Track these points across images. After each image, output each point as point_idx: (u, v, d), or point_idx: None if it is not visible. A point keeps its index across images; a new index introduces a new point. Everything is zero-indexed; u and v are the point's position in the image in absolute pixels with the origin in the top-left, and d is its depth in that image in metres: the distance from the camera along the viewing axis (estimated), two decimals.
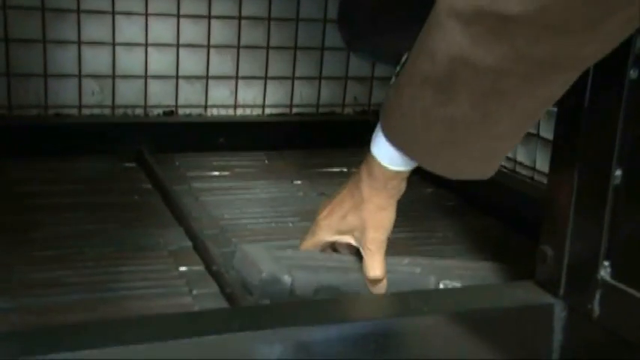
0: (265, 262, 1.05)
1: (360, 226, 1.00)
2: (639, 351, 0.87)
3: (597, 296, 0.91)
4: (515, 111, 0.82)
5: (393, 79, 0.93)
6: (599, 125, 0.91)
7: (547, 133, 1.44)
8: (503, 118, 0.83)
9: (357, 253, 1.06)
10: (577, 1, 0.68)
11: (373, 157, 0.96)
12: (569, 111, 0.95)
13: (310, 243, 1.08)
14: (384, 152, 0.94)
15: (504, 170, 1.57)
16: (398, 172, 0.96)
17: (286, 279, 1.02)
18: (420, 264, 1.15)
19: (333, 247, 1.10)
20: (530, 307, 0.98)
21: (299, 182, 1.62)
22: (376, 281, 1.01)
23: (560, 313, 0.97)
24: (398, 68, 0.93)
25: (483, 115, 0.82)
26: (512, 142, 0.91)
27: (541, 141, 1.46)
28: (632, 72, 0.86)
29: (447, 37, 0.77)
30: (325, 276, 1.04)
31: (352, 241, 1.03)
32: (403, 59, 0.93)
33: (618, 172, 0.89)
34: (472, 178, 0.92)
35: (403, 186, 1.00)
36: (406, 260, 1.16)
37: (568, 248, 0.96)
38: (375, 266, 1.00)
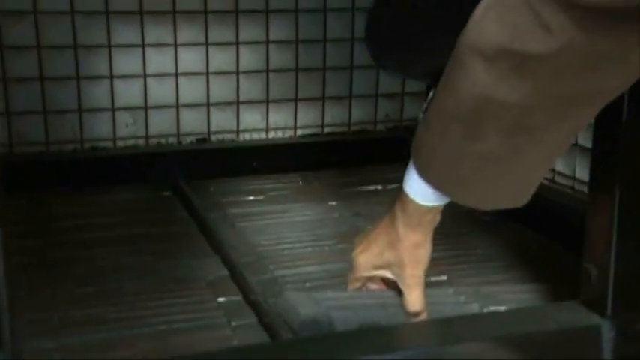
0: (304, 305, 1.05)
1: (397, 262, 1.02)
2: None
3: None
4: (543, 144, 0.82)
5: (421, 116, 0.94)
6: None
7: (586, 141, 1.41)
8: (532, 152, 0.83)
9: (395, 285, 1.06)
10: (598, 40, 0.67)
11: (407, 195, 0.96)
12: (608, 124, 0.92)
13: (352, 280, 1.10)
14: (417, 189, 0.94)
15: (543, 181, 1.55)
16: (432, 208, 0.97)
17: (325, 319, 1.02)
18: (464, 292, 1.16)
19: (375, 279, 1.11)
20: (577, 329, 0.96)
21: (334, 203, 1.61)
22: (416, 315, 1.02)
23: (607, 333, 0.95)
24: (425, 105, 0.94)
25: (512, 150, 0.82)
26: (543, 172, 0.92)
27: (580, 149, 1.44)
28: None
29: (470, 75, 0.77)
30: (366, 313, 1.04)
31: (390, 276, 1.04)
32: (430, 96, 0.94)
33: None
34: (506, 207, 0.92)
35: (438, 219, 1.01)
36: (451, 290, 1.17)
37: (613, 266, 0.93)
38: (414, 301, 1.02)
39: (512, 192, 0.90)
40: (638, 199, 0.90)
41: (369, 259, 1.05)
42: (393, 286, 1.07)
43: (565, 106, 0.76)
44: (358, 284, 1.09)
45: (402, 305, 1.03)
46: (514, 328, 0.95)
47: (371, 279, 1.09)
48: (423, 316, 1.03)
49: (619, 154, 0.91)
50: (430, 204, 0.95)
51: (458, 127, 0.82)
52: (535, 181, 0.91)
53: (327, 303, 1.06)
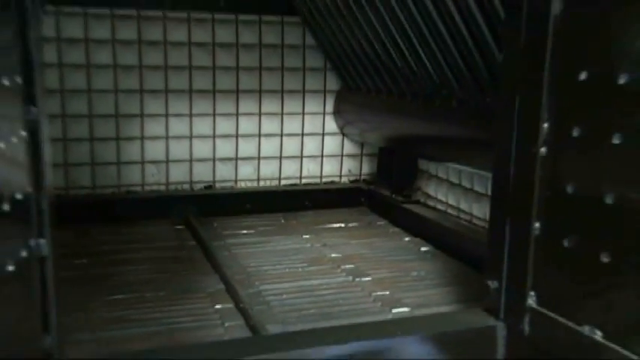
0: None
1: None
2: None
3: (527, 318, 0.91)
4: None
5: None
6: (521, 188, 0.93)
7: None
8: None
9: None
10: None
11: None
12: (500, 180, 0.98)
13: None
14: None
15: (465, 222, 1.57)
16: None
17: None
18: (381, 298, 1.20)
19: None
20: (480, 329, 0.98)
21: (307, 236, 1.63)
22: None
23: (501, 332, 0.97)
24: None
25: None
26: None
27: (489, 197, 1.46)
28: (541, 149, 0.88)
29: None
30: None
31: None
32: None
33: (537, 225, 0.90)
34: None
35: None
36: (372, 295, 1.20)
37: (505, 282, 0.96)
38: None
39: None
40: (521, 234, 0.92)
41: None
42: None
43: None
44: None
45: None
46: (434, 328, 0.97)
47: None
48: None
49: (508, 201, 0.95)
50: None
51: None
52: None
53: None
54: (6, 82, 0.63)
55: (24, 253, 0.67)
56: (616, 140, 0.76)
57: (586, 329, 0.80)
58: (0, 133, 0.62)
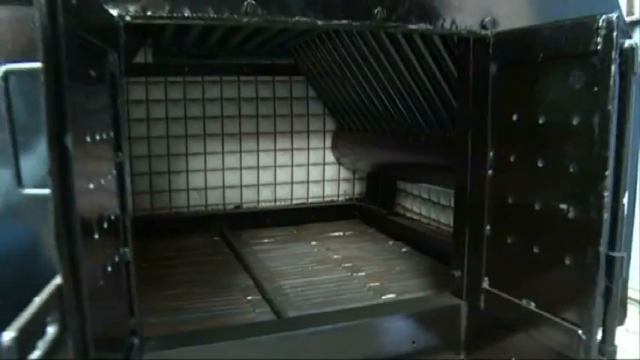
0: None
1: None
2: (504, 327, 0.91)
3: (482, 297, 0.96)
4: None
5: None
6: (475, 201, 0.99)
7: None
8: None
9: None
10: None
11: None
12: (460, 195, 1.04)
13: None
14: None
15: (434, 228, 1.61)
16: None
17: None
18: (373, 288, 1.22)
19: None
20: (449, 307, 1.03)
21: (315, 243, 1.66)
22: None
23: (464, 309, 1.02)
24: None
25: None
26: None
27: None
28: (489, 171, 0.94)
29: None
30: None
31: None
32: None
33: (488, 227, 0.96)
34: None
35: None
36: (366, 286, 1.22)
37: (466, 271, 1.02)
38: None
39: None
40: (476, 235, 0.98)
41: None
42: None
43: None
44: None
45: None
46: (415, 308, 1.03)
47: None
48: None
49: (466, 209, 1.00)
50: None
51: None
52: None
53: None
54: (104, 136, 0.70)
55: (117, 258, 0.73)
56: (540, 164, 0.83)
57: (524, 302, 0.86)
58: (101, 172, 0.68)
